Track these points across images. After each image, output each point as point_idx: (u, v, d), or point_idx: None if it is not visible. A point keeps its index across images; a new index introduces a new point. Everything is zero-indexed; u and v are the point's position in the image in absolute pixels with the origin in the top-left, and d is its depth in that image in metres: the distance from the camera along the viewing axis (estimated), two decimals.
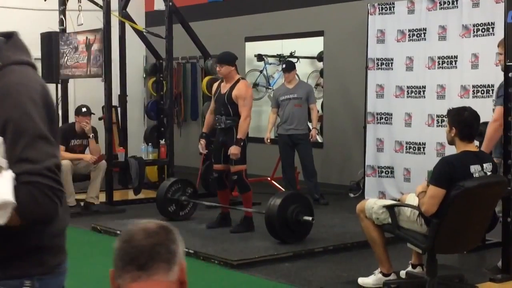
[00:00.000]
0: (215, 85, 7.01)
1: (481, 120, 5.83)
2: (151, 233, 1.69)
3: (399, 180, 8.34)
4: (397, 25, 8.25)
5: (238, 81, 6.69)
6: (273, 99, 8.90)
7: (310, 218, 6.19)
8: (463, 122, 4.51)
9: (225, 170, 6.87)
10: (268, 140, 8.61)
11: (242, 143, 6.59)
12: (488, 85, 7.35)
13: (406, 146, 8.27)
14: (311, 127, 8.83)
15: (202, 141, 7.09)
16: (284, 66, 8.85)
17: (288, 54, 11.27)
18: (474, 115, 4.56)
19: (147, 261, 1.66)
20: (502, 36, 5.13)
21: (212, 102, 7.05)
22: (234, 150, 6.56)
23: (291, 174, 8.68)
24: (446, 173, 4.35)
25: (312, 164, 8.57)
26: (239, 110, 6.60)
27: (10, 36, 2.09)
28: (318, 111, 10.58)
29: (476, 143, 5.54)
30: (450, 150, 4.72)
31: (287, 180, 8.62)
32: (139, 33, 10.02)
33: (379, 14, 8.40)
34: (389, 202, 4.81)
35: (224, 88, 6.74)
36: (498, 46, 5.49)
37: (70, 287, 5.48)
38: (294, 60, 11.09)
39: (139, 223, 1.76)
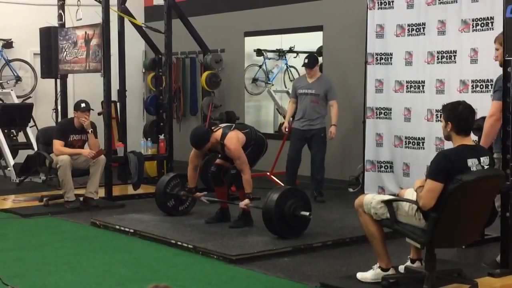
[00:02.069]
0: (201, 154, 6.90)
1: (480, 115, 5.87)
2: None
3: (399, 175, 8.35)
4: (397, 20, 8.24)
5: (223, 145, 6.60)
6: (292, 90, 8.75)
7: (308, 213, 6.19)
8: (458, 116, 4.51)
9: (224, 166, 6.86)
10: (286, 130, 8.59)
11: (251, 196, 6.60)
12: (487, 79, 7.35)
13: (405, 141, 8.27)
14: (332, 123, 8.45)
15: (198, 194, 7.05)
16: (306, 61, 8.49)
17: (288, 49, 11.27)
18: (469, 108, 4.56)
19: None
20: (501, 31, 5.13)
21: (198, 159, 6.91)
22: (246, 202, 6.58)
23: (294, 170, 8.49)
24: (443, 167, 4.35)
25: (322, 161, 8.40)
26: (238, 168, 6.60)
27: None
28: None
29: (475, 137, 5.55)
30: (449, 145, 4.72)
31: (290, 175, 8.47)
32: (138, 28, 10.01)
33: (379, 8, 8.39)
34: (387, 197, 4.81)
35: (217, 147, 6.73)
36: (494, 42, 5.49)
37: (69, 281, 5.51)
38: (294, 54, 11.12)
39: None
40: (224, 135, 6.61)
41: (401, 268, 4.94)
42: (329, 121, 8.46)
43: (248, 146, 6.72)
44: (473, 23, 7.53)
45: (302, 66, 8.64)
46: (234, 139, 6.59)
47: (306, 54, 11.41)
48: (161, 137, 9.59)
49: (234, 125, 6.89)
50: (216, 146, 6.69)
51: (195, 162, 6.91)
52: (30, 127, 10.65)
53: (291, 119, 8.66)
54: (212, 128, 6.82)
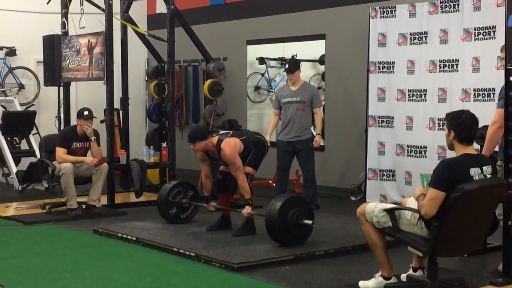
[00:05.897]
0: (200, 155, 6.85)
1: (482, 124, 5.86)
2: None
3: (401, 183, 8.35)
4: (399, 29, 8.28)
5: (219, 149, 6.60)
6: (275, 100, 8.45)
7: (310, 222, 6.19)
8: (461, 125, 4.51)
9: (230, 173, 6.86)
10: (268, 144, 8.35)
11: (250, 202, 6.58)
12: (489, 88, 7.37)
13: (407, 150, 8.29)
14: (314, 133, 8.35)
15: (213, 203, 7.00)
16: (286, 66, 8.31)
17: (290, 57, 11.29)
18: (472, 117, 4.57)
19: None
20: (503, 40, 5.14)
21: (204, 166, 6.92)
22: (247, 210, 6.55)
23: (284, 183, 8.27)
24: (446, 176, 4.36)
25: (313, 174, 8.16)
26: (232, 174, 6.60)
27: None
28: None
29: (477, 146, 5.55)
30: (451, 154, 4.73)
31: (279, 188, 8.19)
32: (141, 36, 10.04)
33: (381, 17, 8.43)
34: (389, 205, 4.81)
35: (214, 154, 6.73)
36: (500, 51, 5.50)
37: None
38: None
39: None
40: (220, 141, 6.63)
41: (403, 277, 4.94)
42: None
43: (248, 151, 6.74)
44: (475, 32, 7.55)
45: (284, 71, 8.48)
46: (231, 143, 6.61)
47: (309, 62, 11.52)
48: (164, 145, 9.60)
49: (231, 132, 6.90)
50: (213, 152, 6.71)
51: (204, 170, 6.95)
52: (33, 134, 10.67)
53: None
54: (212, 134, 6.85)
